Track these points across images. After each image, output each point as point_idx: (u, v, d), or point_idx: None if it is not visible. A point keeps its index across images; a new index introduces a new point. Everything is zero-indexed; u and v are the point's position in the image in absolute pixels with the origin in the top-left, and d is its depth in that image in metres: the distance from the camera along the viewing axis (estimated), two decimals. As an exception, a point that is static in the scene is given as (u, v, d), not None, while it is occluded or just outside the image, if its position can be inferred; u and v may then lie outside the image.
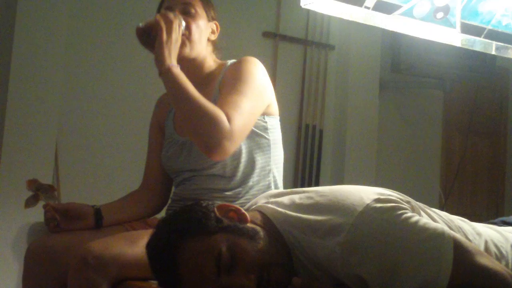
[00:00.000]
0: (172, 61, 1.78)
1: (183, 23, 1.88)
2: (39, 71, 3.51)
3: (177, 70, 1.78)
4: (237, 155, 1.87)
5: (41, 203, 1.98)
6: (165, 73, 1.77)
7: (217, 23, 2.08)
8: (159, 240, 1.37)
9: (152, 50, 1.81)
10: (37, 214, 3.55)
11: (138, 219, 2.04)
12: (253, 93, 1.86)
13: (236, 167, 1.89)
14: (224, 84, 1.92)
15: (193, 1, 2.00)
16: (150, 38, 1.81)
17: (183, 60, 1.89)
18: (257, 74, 1.92)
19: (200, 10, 2.00)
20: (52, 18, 3.56)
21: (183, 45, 1.91)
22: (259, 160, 1.92)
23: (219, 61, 2.07)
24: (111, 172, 3.88)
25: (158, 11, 2.05)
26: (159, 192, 2.11)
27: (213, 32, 2.06)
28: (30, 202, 1.99)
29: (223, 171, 1.89)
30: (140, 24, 1.83)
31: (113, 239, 1.72)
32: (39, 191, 2.00)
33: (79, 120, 3.83)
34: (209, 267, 1.28)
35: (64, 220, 1.94)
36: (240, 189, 1.89)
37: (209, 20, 2.03)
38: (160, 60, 1.78)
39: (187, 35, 1.93)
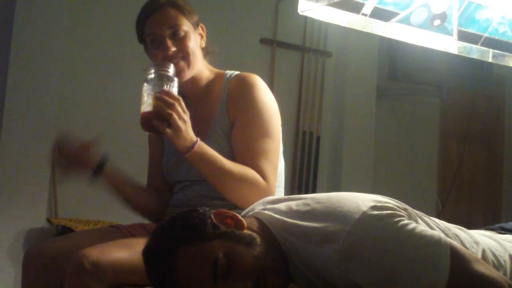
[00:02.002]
0: (192, 142, 1.72)
1: (173, 74, 1.75)
2: (37, 73, 3.51)
3: (201, 149, 1.73)
4: None
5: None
6: (190, 157, 1.73)
7: (202, 25, 1.99)
8: (155, 246, 1.37)
9: (159, 135, 1.73)
10: (33, 219, 3.57)
11: (140, 212, 2.04)
12: (274, 129, 1.89)
13: None
14: (237, 116, 1.89)
15: (179, 21, 1.89)
16: (153, 126, 1.68)
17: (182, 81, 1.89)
18: (268, 100, 1.91)
19: (186, 26, 1.90)
20: (52, 19, 3.56)
21: (182, 71, 1.87)
22: None
23: (215, 69, 2.03)
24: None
25: (141, 36, 1.96)
26: (163, 197, 2.09)
27: (201, 37, 1.98)
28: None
29: None
30: (145, 111, 1.69)
31: (110, 245, 1.72)
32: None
33: (77, 124, 3.82)
34: (205, 273, 1.28)
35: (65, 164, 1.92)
36: None
37: (195, 29, 1.95)
38: (182, 148, 1.72)
39: (185, 59, 1.89)
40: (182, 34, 1.89)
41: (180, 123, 1.67)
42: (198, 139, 1.74)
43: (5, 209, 3.41)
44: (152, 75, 1.73)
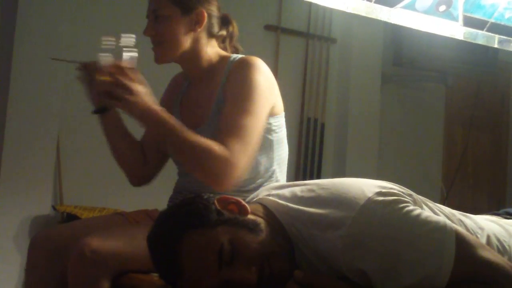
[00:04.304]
0: (147, 110, 1.69)
1: (132, 54, 1.73)
2: (40, 68, 3.51)
3: (155, 115, 1.69)
4: None
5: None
6: (145, 124, 1.75)
7: (201, 10, 1.91)
8: (160, 233, 1.37)
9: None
10: (39, 207, 3.58)
11: (119, 162, 2.10)
12: (258, 108, 1.81)
13: None
14: (226, 95, 1.85)
15: (158, 4, 1.89)
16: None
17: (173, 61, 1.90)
18: (260, 81, 1.84)
19: (168, 9, 1.87)
20: (53, 18, 3.56)
21: (155, 55, 1.90)
22: (262, 161, 1.89)
23: (223, 53, 1.99)
24: (112, 167, 3.87)
25: None
26: (152, 163, 2.09)
27: (197, 22, 1.91)
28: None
29: None
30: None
31: (111, 233, 1.73)
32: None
33: (81, 114, 3.81)
34: (210, 260, 1.28)
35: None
36: (242, 184, 1.86)
37: (183, 14, 1.89)
38: (136, 118, 1.70)
39: (160, 44, 1.89)
40: (159, 18, 1.89)
41: (123, 93, 1.66)
42: (158, 108, 1.70)
43: (11, 197, 3.43)
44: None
